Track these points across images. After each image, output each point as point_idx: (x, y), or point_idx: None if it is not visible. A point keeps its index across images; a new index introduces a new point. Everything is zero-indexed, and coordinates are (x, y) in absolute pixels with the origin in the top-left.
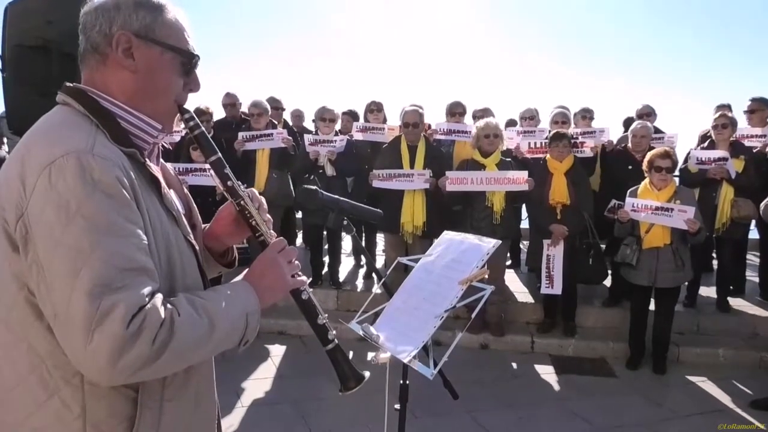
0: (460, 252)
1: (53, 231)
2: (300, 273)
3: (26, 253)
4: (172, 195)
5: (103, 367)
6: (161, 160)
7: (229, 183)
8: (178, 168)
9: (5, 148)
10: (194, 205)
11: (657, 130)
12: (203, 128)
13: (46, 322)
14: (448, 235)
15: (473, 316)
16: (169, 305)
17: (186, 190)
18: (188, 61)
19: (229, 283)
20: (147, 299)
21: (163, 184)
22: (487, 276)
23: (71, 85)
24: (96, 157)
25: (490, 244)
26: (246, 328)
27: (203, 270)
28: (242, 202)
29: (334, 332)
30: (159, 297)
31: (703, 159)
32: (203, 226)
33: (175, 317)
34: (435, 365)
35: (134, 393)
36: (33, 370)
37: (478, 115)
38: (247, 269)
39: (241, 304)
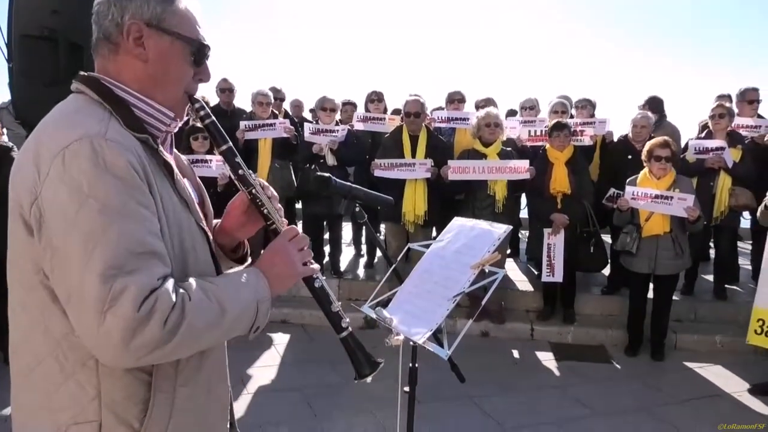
0: (471, 237)
1: (67, 213)
2: (312, 261)
3: (40, 237)
4: (185, 183)
5: (116, 349)
6: (174, 149)
7: (240, 172)
8: None
9: (5, 138)
10: (207, 196)
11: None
12: (213, 118)
13: (61, 305)
14: (458, 221)
15: (483, 302)
16: (180, 289)
17: (199, 180)
18: (198, 50)
19: (240, 269)
20: (158, 282)
21: (176, 170)
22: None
23: (86, 73)
24: (108, 142)
25: (501, 229)
26: (257, 315)
27: (215, 256)
28: (254, 191)
29: (348, 320)
30: (171, 281)
31: (701, 148)
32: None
33: (186, 301)
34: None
35: (148, 377)
36: (50, 353)
37: (480, 105)
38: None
39: (252, 291)
